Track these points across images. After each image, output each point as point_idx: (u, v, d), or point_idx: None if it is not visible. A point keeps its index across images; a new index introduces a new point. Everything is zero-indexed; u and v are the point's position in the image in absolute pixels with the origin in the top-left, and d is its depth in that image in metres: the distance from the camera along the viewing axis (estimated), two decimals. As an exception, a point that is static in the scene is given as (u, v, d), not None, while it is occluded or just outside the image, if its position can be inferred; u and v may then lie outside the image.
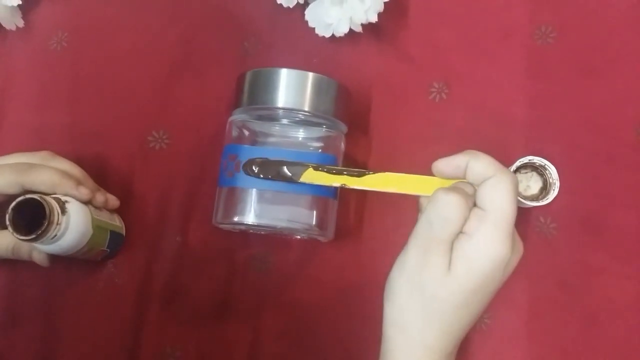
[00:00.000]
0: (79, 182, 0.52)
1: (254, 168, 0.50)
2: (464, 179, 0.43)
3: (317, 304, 0.57)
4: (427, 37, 0.61)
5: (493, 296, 0.42)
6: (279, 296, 0.57)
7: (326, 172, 0.47)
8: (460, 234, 0.41)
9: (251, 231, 0.57)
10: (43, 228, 0.47)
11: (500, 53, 0.60)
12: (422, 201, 0.45)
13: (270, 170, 0.49)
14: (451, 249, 0.41)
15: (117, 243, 0.57)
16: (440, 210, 0.40)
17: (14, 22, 0.62)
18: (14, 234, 0.46)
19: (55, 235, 0.48)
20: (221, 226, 0.54)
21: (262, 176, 0.49)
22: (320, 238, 0.55)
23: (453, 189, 0.41)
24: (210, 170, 0.58)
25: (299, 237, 0.57)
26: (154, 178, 0.60)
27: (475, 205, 0.41)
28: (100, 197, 0.54)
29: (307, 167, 0.48)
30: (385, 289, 0.43)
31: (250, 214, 0.51)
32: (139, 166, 0.60)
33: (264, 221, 0.51)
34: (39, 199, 0.47)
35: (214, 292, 0.57)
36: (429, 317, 0.41)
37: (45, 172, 0.51)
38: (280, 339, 0.56)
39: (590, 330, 0.55)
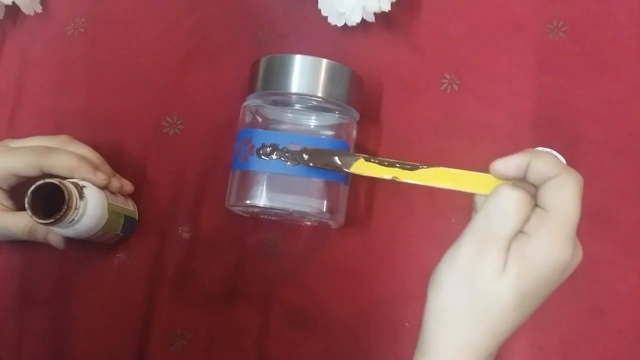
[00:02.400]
0: (96, 167, 0.53)
1: (304, 156, 0.49)
2: (524, 180, 0.40)
3: (325, 289, 0.57)
4: (439, 28, 0.62)
5: (545, 299, 0.40)
6: (289, 281, 0.58)
7: (377, 163, 0.45)
8: (519, 234, 0.38)
9: (262, 216, 0.58)
10: (62, 213, 0.47)
11: (511, 46, 0.61)
12: (478, 200, 0.43)
13: (320, 159, 0.49)
14: (508, 248, 0.38)
15: (130, 227, 0.58)
16: (502, 206, 0.38)
17: (32, 8, 0.63)
18: (33, 217, 0.47)
19: (73, 220, 0.49)
20: (233, 209, 0.55)
21: (311, 164, 0.49)
22: (331, 223, 0.55)
23: (516, 185, 0.39)
24: (222, 156, 0.58)
25: (309, 223, 0.58)
26: (168, 163, 0.61)
27: (537, 205, 0.39)
28: (116, 182, 0.55)
29: (359, 157, 0.47)
30: (431, 278, 0.41)
31: (263, 197, 0.51)
32: (152, 151, 0.61)
33: (276, 204, 0.52)
34: (58, 183, 0.48)
35: (225, 276, 0.58)
36: (475, 316, 0.39)
37: (64, 156, 0.52)
38: (288, 323, 0.57)
39: (596, 322, 0.56)
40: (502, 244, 0.38)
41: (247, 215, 0.58)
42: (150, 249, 0.59)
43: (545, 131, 0.59)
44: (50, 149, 0.53)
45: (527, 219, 0.38)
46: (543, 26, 0.61)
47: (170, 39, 0.63)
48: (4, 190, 0.54)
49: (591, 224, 0.57)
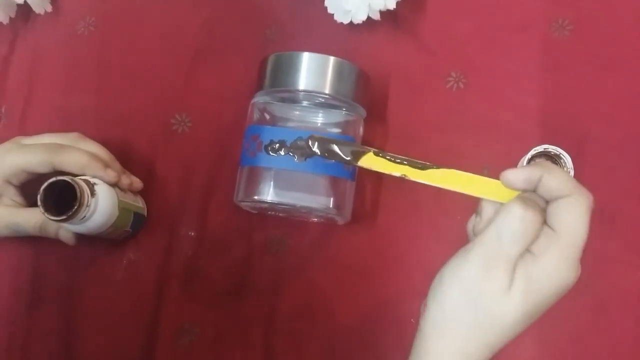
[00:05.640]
0: (106, 165, 0.54)
1: (310, 143, 0.45)
2: (534, 192, 0.40)
3: (331, 285, 0.58)
4: (444, 27, 0.62)
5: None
6: (295, 277, 0.58)
7: (387, 159, 0.44)
8: (526, 252, 0.38)
9: (270, 212, 0.58)
10: (74, 210, 0.48)
11: (517, 44, 0.61)
12: (485, 205, 0.42)
13: (328, 148, 0.45)
14: (515, 267, 0.38)
15: (139, 223, 0.58)
16: (515, 226, 0.38)
17: (43, 7, 0.64)
18: (46, 214, 0.48)
19: (84, 217, 0.50)
20: (241, 204, 0.56)
21: (318, 153, 0.46)
22: (338, 219, 0.56)
23: (530, 203, 0.38)
24: (230, 153, 0.59)
25: (315, 219, 0.58)
26: (176, 160, 0.61)
27: (545, 222, 0.39)
28: (126, 179, 0.55)
29: (368, 150, 0.44)
30: (433, 286, 0.41)
31: (270, 193, 0.52)
32: (161, 148, 0.62)
33: (283, 199, 0.52)
34: (70, 181, 0.48)
35: (232, 272, 0.59)
36: (475, 331, 0.40)
37: (75, 154, 0.53)
38: (295, 318, 0.58)
39: (601, 319, 0.56)
40: (510, 264, 0.38)
41: (254, 212, 0.58)
42: (159, 245, 0.60)
43: (550, 129, 0.59)
44: (61, 146, 0.53)
45: (536, 238, 0.38)
46: (549, 25, 0.61)
47: (179, 37, 0.64)
48: (15, 186, 0.55)
49: (596, 222, 0.56)
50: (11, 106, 0.64)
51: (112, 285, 0.59)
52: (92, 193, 0.50)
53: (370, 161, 0.44)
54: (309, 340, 0.57)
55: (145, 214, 0.59)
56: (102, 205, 0.51)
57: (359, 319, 0.57)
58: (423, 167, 0.43)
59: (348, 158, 0.45)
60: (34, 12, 0.64)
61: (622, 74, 0.60)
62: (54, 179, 0.48)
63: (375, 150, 0.44)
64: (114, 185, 0.54)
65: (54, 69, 0.65)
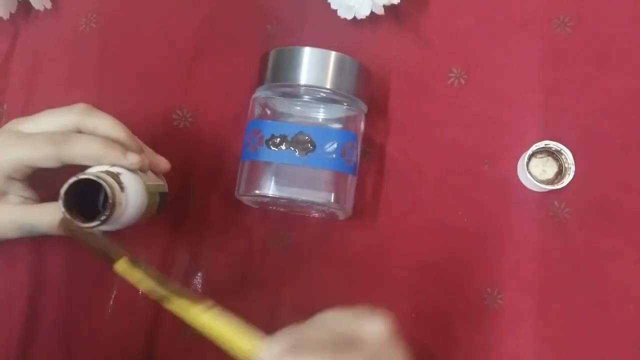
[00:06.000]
0: (125, 148, 0.47)
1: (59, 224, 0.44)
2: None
3: (332, 280, 0.58)
4: (446, 23, 0.62)
5: None
6: (296, 272, 0.58)
7: (143, 270, 0.42)
8: None
9: (271, 207, 0.58)
10: (108, 212, 0.43)
11: (518, 41, 0.61)
12: None
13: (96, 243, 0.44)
14: None
15: (164, 203, 0.53)
16: None
17: (42, 3, 0.64)
18: (76, 222, 0.42)
19: (119, 215, 0.44)
20: (243, 199, 0.56)
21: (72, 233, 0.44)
22: (339, 213, 0.56)
23: None
24: (231, 148, 0.59)
25: (317, 214, 0.58)
26: (177, 155, 0.60)
27: None
28: (146, 160, 0.48)
29: (120, 256, 0.42)
30: None
31: (271, 187, 0.52)
32: (163, 144, 0.61)
33: (284, 194, 0.52)
34: (96, 179, 0.42)
35: (233, 267, 0.59)
36: None
37: (86, 145, 0.46)
38: (296, 313, 0.57)
39: (602, 314, 0.56)
40: None
41: (255, 206, 0.58)
42: (160, 240, 0.59)
43: (551, 126, 0.59)
44: (68, 136, 0.46)
45: None
46: (550, 22, 0.61)
47: (180, 33, 0.64)
48: (20, 180, 0.48)
49: (597, 216, 0.58)
50: (12, 103, 0.64)
51: (113, 281, 0.59)
52: (121, 187, 0.44)
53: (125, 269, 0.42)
54: (310, 335, 0.57)
55: (167, 188, 0.53)
56: (132, 198, 0.45)
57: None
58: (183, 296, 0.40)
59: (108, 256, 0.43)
60: (34, 8, 0.64)
61: (623, 70, 0.60)
62: (74, 178, 0.42)
63: (132, 259, 0.42)
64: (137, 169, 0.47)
65: (56, 66, 0.65)
